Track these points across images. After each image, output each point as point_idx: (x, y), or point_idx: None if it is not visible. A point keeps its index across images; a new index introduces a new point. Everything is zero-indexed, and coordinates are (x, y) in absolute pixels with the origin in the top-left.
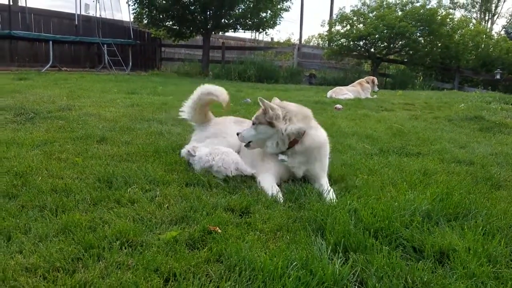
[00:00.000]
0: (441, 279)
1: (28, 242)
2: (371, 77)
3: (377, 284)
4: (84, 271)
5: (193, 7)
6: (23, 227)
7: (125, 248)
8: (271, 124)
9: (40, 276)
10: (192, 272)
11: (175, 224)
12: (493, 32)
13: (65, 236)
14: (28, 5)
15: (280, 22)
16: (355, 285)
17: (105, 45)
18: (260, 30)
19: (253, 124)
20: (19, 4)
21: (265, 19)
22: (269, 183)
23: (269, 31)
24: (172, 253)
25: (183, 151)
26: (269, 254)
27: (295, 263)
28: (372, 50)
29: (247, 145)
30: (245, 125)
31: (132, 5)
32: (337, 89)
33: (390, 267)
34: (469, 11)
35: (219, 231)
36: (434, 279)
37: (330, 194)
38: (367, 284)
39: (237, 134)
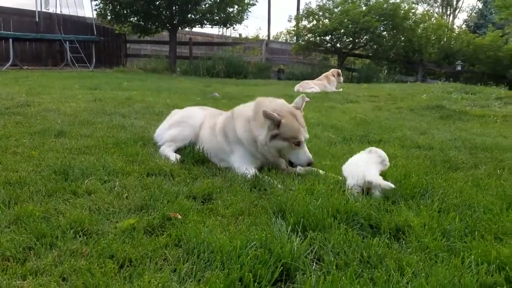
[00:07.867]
0: (396, 253)
1: None
2: (336, 70)
3: (333, 259)
4: (35, 260)
5: (158, 2)
6: None
7: (80, 237)
8: None
9: None
10: (149, 257)
11: (134, 213)
12: (454, 26)
13: (17, 226)
14: None
15: (247, 17)
16: (313, 261)
17: (67, 42)
18: (228, 25)
19: None
20: None
21: (232, 14)
22: None
23: (237, 26)
24: (129, 240)
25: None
26: (229, 237)
27: (254, 242)
28: (338, 45)
29: None
30: (208, 112)
31: (94, 1)
32: (304, 83)
33: (346, 243)
34: (431, 6)
35: (179, 217)
36: (389, 253)
37: None
38: (324, 259)
39: None
